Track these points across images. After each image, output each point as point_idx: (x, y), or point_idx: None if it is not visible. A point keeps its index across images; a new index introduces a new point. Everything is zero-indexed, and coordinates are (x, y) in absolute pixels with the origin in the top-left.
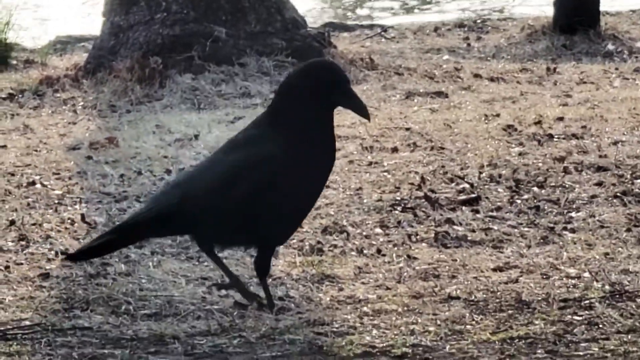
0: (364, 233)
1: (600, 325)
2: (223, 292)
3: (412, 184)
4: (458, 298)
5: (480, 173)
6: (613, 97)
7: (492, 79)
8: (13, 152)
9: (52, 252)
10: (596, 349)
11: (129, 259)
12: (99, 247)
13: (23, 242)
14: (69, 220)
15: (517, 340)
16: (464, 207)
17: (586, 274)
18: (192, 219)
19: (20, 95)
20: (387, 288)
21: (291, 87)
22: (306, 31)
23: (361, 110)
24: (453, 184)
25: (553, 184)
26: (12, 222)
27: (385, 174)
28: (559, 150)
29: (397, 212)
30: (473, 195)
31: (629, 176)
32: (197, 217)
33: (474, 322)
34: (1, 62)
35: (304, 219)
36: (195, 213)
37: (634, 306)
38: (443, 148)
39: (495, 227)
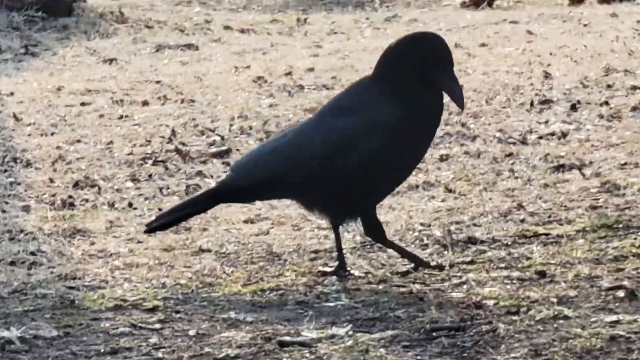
0: (115, 187)
1: (351, 276)
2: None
3: (162, 137)
4: (209, 251)
5: (231, 125)
6: (364, 47)
7: (242, 31)
8: None
9: None
10: (347, 300)
11: None
12: (181, 218)
13: None
14: None
15: (268, 291)
16: (214, 160)
17: None
18: (296, 184)
19: None
20: (139, 241)
21: (396, 56)
22: None
23: (459, 98)
24: (204, 137)
25: None
26: None
27: (136, 127)
28: (310, 101)
29: (148, 165)
30: (224, 148)
31: None
32: (303, 183)
33: (225, 275)
34: None
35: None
36: (302, 179)
37: (384, 256)
38: (193, 101)
39: None
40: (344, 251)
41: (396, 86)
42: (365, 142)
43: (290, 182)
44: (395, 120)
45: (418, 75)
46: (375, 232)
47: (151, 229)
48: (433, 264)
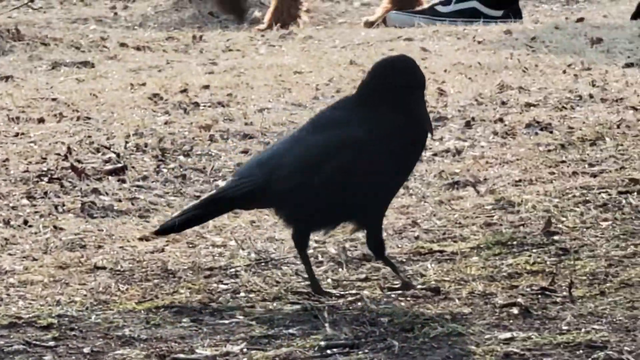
0: (11, 204)
1: (246, 293)
2: None
3: (58, 154)
4: (104, 268)
5: (127, 142)
6: (259, 64)
7: (138, 48)
8: None
9: None
10: (241, 317)
11: None
12: (186, 221)
13: None
14: None
15: (162, 309)
16: (110, 177)
17: (232, 242)
18: (279, 197)
19: None
20: (34, 259)
21: (375, 77)
22: None
23: (424, 122)
24: (99, 154)
25: (199, 152)
26: None
27: (32, 144)
28: (205, 118)
29: (43, 182)
30: (119, 165)
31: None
32: (283, 195)
33: (119, 292)
34: None
35: (393, 197)
36: (282, 191)
37: (279, 274)
38: (89, 118)
39: (142, 197)
40: (239, 268)
41: (373, 103)
42: (334, 160)
43: (272, 193)
44: (364, 138)
45: (394, 98)
46: (377, 246)
47: (162, 230)
48: (417, 285)
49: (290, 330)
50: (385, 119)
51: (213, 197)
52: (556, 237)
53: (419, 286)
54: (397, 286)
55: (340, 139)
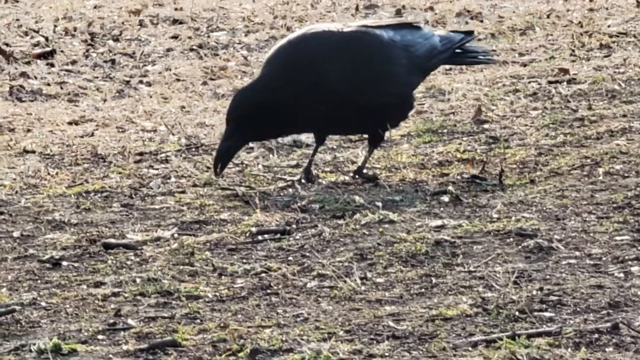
0: None
1: (176, 179)
2: None
3: None
4: (33, 152)
5: (55, 26)
6: None
7: None
8: None
9: None
10: (172, 202)
11: None
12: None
13: None
14: None
15: (92, 193)
16: (38, 61)
17: (162, 127)
18: None
19: None
20: None
21: None
22: None
23: None
24: (28, 37)
25: (129, 37)
26: None
27: None
28: (135, 3)
29: None
30: (48, 49)
31: (204, 29)
32: None
33: (49, 176)
34: None
35: None
36: None
37: (209, 159)
38: (17, 1)
39: (71, 81)
40: (170, 153)
41: None
42: None
43: None
44: None
45: None
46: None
47: None
48: (370, 173)
49: (221, 216)
50: None
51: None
52: (486, 126)
53: (351, 173)
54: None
55: None
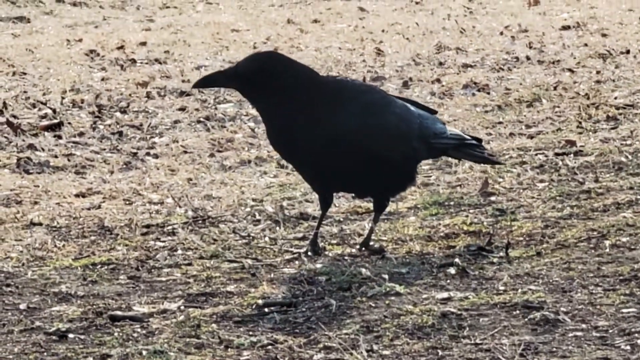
0: None
1: (183, 251)
2: None
3: None
4: (40, 224)
5: (63, 98)
6: (196, 22)
7: (74, 4)
8: None
9: None
10: (179, 275)
11: None
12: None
13: None
14: None
15: (99, 266)
16: (46, 133)
17: (169, 200)
18: None
19: None
20: None
21: None
22: None
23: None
24: (35, 110)
25: (136, 109)
26: None
27: None
28: (142, 75)
29: None
30: (55, 121)
31: (212, 101)
32: None
33: (56, 248)
34: None
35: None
36: None
37: (216, 232)
38: (25, 73)
39: (78, 153)
40: (177, 225)
41: None
42: None
43: None
44: None
45: None
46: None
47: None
48: (376, 245)
49: (228, 288)
50: None
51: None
52: (493, 198)
53: (357, 246)
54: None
55: None
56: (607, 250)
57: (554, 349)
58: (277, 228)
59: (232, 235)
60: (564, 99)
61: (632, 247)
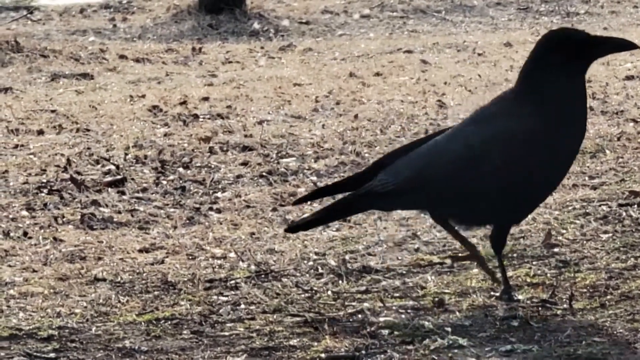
0: (11, 216)
1: (246, 305)
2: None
3: (58, 166)
4: (104, 280)
5: (126, 154)
6: (258, 76)
7: (137, 60)
8: None
9: None
10: (242, 329)
11: None
12: (315, 220)
13: None
14: None
15: (163, 321)
16: (109, 189)
17: (232, 254)
18: (432, 194)
19: None
20: (34, 270)
21: (532, 62)
22: None
23: (622, 44)
24: (99, 166)
25: (199, 164)
26: None
27: (32, 156)
28: (205, 130)
29: (43, 194)
30: (119, 177)
31: (274, 155)
32: (437, 193)
33: (120, 304)
34: None
35: (548, 196)
36: (436, 189)
37: (279, 286)
38: (89, 130)
39: (141, 209)
40: (239, 280)
41: (536, 94)
42: (500, 151)
43: (426, 190)
44: (531, 130)
45: (565, 71)
46: (498, 246)
47: (293, 227)
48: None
49: (291, 342)
50: (552, 108)
51: (358, 194)
52: (556, 250)
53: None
54: (497, 294)
55: (504, 131)
56: None
57: None
58: (340, 282)
59: (294, 289)
60: (628, 149)
61: None
